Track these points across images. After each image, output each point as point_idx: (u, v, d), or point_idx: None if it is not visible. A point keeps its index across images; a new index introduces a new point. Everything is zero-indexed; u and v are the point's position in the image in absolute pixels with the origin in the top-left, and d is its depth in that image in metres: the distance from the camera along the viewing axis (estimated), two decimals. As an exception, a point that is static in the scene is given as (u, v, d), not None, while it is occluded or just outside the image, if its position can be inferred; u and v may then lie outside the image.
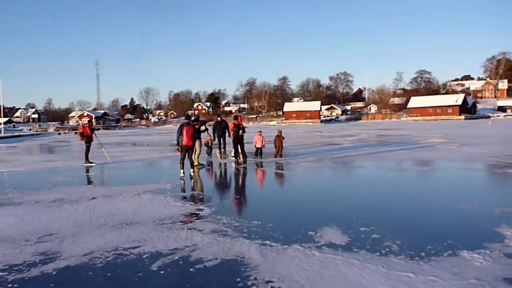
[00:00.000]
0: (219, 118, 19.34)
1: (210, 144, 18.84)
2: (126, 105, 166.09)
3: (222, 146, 18.74)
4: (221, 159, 17.50)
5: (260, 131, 19.19)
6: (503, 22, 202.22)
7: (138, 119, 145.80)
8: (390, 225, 6.76)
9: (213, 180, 13.47)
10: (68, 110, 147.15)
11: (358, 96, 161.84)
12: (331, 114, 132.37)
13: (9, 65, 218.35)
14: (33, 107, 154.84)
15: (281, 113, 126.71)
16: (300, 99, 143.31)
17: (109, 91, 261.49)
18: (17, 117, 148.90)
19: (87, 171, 16.02)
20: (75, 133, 20.44)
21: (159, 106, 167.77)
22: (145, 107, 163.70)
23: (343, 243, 5.85)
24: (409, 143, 26.13)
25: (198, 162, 16.08)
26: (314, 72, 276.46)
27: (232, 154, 18.05)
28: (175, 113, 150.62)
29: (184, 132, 13.12)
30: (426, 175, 13.16)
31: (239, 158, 16.23)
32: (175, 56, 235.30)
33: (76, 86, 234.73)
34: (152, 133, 65.35)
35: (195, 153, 16.02)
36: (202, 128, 16.40)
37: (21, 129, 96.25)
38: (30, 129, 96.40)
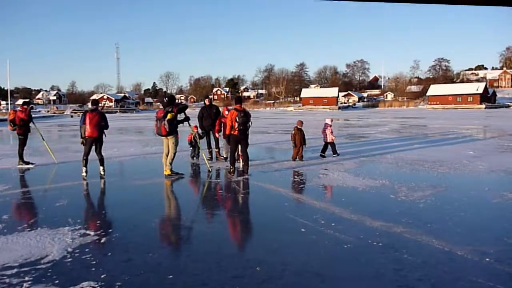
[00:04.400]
0: (207, 101, 12.52)
1: (196, 142, 11.97)
2: (148, 89, 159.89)
3: (214, 143, 12.05)
4: (208, 164, 10.69)
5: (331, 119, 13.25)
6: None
7: (158, 103, 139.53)
8: None
9: (185, 216, 6.76)
10: (92, 93, 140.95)
11: (374, 83, 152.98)
12: (348, 100, 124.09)
13: (36, 47, 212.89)
14: (58, 90, 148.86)
15: (298, 99, 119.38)
16: (317, 85, 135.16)
17: (132, 75, 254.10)
18: (38, 98, 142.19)
19: (20, 176, 9.52)
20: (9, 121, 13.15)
21: (181, 91, 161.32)
22: (166, 91, 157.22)
23: None
24: (461, 137, 19.09)
25: (171, 170, 9.43)
26: (331, 59, 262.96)
27: (224, 155, 11.56)
28: (195, 98, 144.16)
29: (88, 121, 9.31)
30: None
31: (239, 163, 9.65)
32: (196, 41, 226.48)
33: (100, 69, 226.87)
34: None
35: (167, 155, 9.46)
36: (180, 116, 9.66)
37: (39, 111, 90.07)
38: (48, 111, 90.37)
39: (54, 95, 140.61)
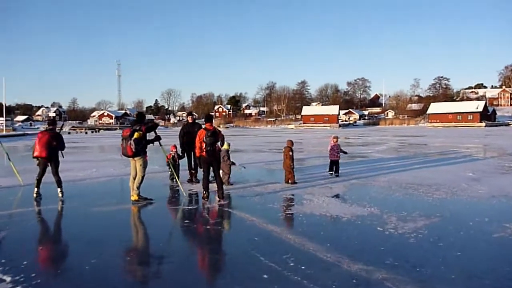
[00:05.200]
0: (190, 119, 11.66)
1: (175, 162, 11.10)
2: (150, 106, 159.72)
3: (193, 164, 11.10)
4: (182, 187, 9.76)
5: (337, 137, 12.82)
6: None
7: (159, 120, 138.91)
8: None
9: (132, 254, 5.77)
10: (93, 110, 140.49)
11: (375, 101, 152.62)
12: (349, 118, 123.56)
13: (39, 64, 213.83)
14: (59, 106, 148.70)
15: (299, 116, 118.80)
16: (318, 103, 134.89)
17: (133, 91, 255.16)
18: (38, 115, 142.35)
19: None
20: None
21: (182, 108, 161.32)
22: (167, 108, 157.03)
23: None
24: (461, 157, 18.11)
25: (138, 195, 8.51)
26: (332, 77, 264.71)
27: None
28: (197, 115, 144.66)
29: (37, 140, 8.84)
30: None
31: (220, 191, 8.61)
32: (198, 58, 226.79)
33: (101, 86, 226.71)
34: (161, 134, 57.82)
35: (135, 178, 8.55)
36: (150, 135, 8.78)
37: (38, 127, 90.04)
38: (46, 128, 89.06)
39: (54, 112, 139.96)
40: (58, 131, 9.45)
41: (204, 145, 8.32)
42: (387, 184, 10.62)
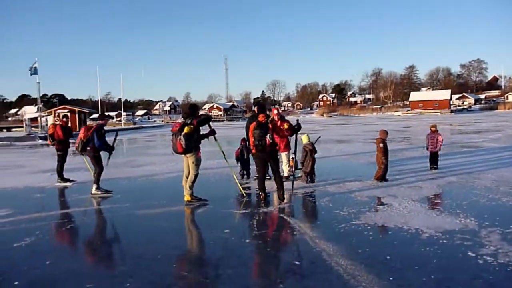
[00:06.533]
0: (256, 109, 10.39)
1: (243, 156, 10.08)
2: (257, 97, 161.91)
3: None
4: (241, 187, 8.62)
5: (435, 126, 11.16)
6: None
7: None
8: None
9: (145, 275, 4.72)
10: (205, 103, 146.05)
11: (493, 84, 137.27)
12: (462, 103, 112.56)
13: (158, 62, 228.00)
14: (175, 100, 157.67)
15: (408, 103, 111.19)
16: (428, 88, 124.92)
17: (241, 84, 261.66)
18: (156, 109, 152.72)
19: (37, 197, 8.39)
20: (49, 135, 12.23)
21: (288, 98, 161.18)
22: (273, 99, 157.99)
23: None
24: None
25: (191, 195, 7.57)
26: (443, 60, 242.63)
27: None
28: (301, 104, 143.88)
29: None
30: None
31: (280, 191, 7.36)
32: (302, 49, 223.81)
33: (211, 80, 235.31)
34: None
35: (188, 177, 7.64)
36: (203, 129, 7.80)
37: (154, 121, 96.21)
38: (162, 121, 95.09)
39: (169, 106, 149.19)
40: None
41: (252, 140, 7.14)
42: (495, 184, 8.42)
